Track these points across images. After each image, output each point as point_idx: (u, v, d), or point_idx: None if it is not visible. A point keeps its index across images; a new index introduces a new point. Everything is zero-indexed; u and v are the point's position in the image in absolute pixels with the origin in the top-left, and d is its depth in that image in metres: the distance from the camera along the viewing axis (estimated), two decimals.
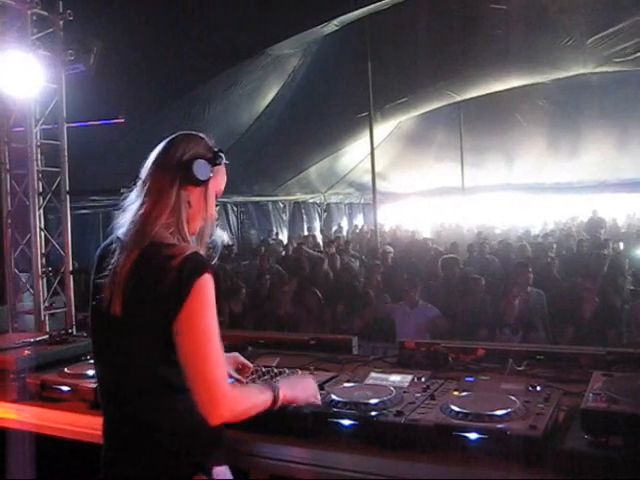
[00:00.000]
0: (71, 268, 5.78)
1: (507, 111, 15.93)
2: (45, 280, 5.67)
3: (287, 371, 2.60)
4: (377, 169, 12.63)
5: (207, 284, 1.82)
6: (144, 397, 1.87)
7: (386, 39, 11.54)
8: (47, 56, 5.39)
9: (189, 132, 2.03)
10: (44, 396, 2.77)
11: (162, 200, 1.91)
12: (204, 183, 1.96)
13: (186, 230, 1.93)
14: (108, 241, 2.03)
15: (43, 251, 5.63)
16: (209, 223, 2.03)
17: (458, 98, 14.43)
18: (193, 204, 1.96)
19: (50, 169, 5.73)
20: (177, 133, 2.02)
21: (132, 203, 1.97)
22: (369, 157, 12.51)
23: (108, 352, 1.97)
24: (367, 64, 11.19)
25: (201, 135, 2.04)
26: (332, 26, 10.05)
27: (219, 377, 1.80)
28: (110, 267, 1.89)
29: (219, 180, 2.06)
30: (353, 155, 17.17)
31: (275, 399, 1.96)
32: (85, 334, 4.18)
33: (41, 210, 5.62)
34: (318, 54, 12.31)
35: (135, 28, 7.99)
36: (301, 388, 2.12)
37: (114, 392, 1.96)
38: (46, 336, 3.62)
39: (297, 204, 18.32)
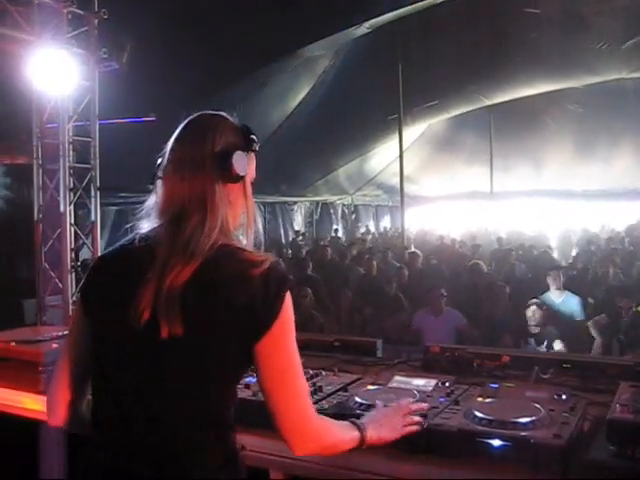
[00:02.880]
0: None
1: (537, 115, 15.76)
2: (74, 275, 5.75)
3: (323, 372, 2.60)
4: (406, 172, 12.61)
5: (291, 301, 1.60)
6: (186, 434, 1.55)
7: (417, 42, 11.51)
8: (81, 54, 5.49)
9: (212, 113, 1.74)
10: None
11: (209, 208, 1.60)
12: (244, 178, 1.69)
13: (232, 231, 1.66)
14: (116, 252, 1.71)
15: (72, 246, 5.71)
16: (251, 218, 1.72)
17: (488, 102, 14.33)
18: (233, 201, 1.67)
19: (81, 165, 5.81)
20: (198, 115, 1.72)
21: (158, 210, 1.66)
22: (398, 160, 12.48)
23: (138, 379, 1.57)
24: (397, 66, 11.16)
25: (225, 115, 1.74)
26: (363, 29, 10.05)
27: (307, 406, 1.65)
28: (140, 281, 1.54)
29: (253, 166, 1.76)
30: (382, 157, 17.13)
31: (362, 441, 1.81)
32: None
33: (72, 206, 5.71)
34: (348, 56, 12.31)
35: (167, 28, 8.06)
36: (387, 427, 1.91)
37: (139, 426, 1.56)
38: None
39: (325, 205, 18.32)
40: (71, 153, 5.70)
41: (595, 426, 2.03)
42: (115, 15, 5.87)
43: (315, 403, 2.19)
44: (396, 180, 13.58)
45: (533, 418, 1.98)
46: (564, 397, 2.20)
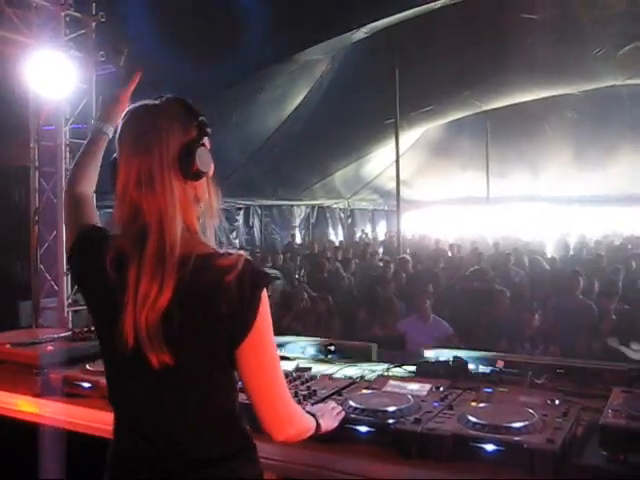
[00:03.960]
0: None
1: (534, 121, 15.79)
2: (69, 277, 5.74)
3: (306, 375, 2.62)
4: (402, 176, 12.61)
5: (267, 297, 1.59)
6: (190, 432, 1.61)
7: (414, 47, 11.52)
8: (79, 57, 5.48)
9: (156, 105, 1.63)
10: (66, 392, 2.81)
11: (166, 222, 1.53)
12: (205, 172, 1.61)
13: (196, 230, 1.61)
14: (104, 238, 1.66)
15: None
16: (214, 211, 1.65)
17: (485, 107, 14.36)
18: (201, 198, 1.63)
19: None
20: (142, 112, 1.62)
21: (123, 229, 1.60)
22: (394, 164, 12.50)
23: (137, 397, 1.62)
24: (394, 71, 11.18)
25: (169, 101, 1.64)
26: (361, 33, 10.05)
27: (286, 394, 1.70)
28: (118, 299, 1.53)
29: (209, 153, 1.65)
30: (378, 162, 17.15)
31: (318, 428, 1.91)
32: None
33: None
34: (345, 61, 12.32)
35: (164, 32, 8.07)
36: (328, 417, 2.02)
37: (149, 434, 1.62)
38: (69, 332, 3.67)
39: (321, 209, 18.34)
40: (68, 156, 5.70)
41: (588, 431, 2.04)
42: (113, 18, 5.88)
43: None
44: (392, 184, 13.61)
45: (526, 423, 1.99)
46: (557, 402, 2.22)
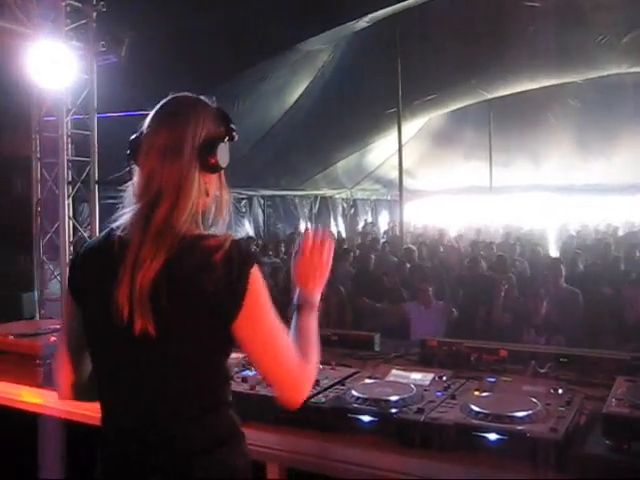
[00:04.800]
0: None
1: (538, 110, 15.72)
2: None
3: (321, 366, 2.60)
4: (405, 166, 12.57)
5: (259, 274, 1.59)
6: (177, 418, 1.60)
7: (416, 35, 11.47)
8: (80, 47, 5.48)
9: (194, 97, 1.70)
10: None
11: (182, 195, 1.58)
12: (223, 168, 1.68)
13: (202, 221, 1.65)
14: (100, 239, 1.70)
15: (71, 239, 5.71)
16: (224, 208, 1.71)
17: (488, 96, 14.30)
18: (209, 191, 1.67)
19: (80, 159, 5.80)
20: (178, 98, 1.69)
21: (135, 196, 1.63)
22: (397, 154, 12.46)
23: (128, 374, 1.62)
24: (397, 60, 11.13)
25: (206, 100, 1.70)
26: (363, 22, 10.02)
27: (295, 364, 1.66)
28: (116, 273, 1.55)
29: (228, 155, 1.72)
30: (381, 151, 17.10)
31: (307, 314, 1.81)
32: None
33: (70, 199, 5.71)
34: (348, 50, 12.27)
35: (166, 21, 8.04)
36: (312, 279, 1.88)
37: (136, 417, 1.63)
38: None
39: (324, 199, 18.30)
40: (70, 146, 5.70)
41: (591, 420, 2.04)
42: (114, 8, 5.86)
43: (312, 397, 2.20)
44: (395, 174, 13.57)
45: (530, 412, 1.99)
46: (561, 391, 2.22)
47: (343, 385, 2.37)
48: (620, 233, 14.48)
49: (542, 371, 2.63)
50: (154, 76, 8.11)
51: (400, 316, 6.74)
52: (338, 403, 2.19)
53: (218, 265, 1.53)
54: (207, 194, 1.65)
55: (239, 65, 9.86)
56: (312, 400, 2.17)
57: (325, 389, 2.31)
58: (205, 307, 1.54)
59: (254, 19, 8.84)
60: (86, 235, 5.77)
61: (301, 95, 12.87)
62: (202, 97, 1.71)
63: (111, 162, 6.46)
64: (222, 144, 1.64)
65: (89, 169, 5.77)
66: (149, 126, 1.64)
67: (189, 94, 1.70)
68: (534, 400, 2.09)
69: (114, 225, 1.64)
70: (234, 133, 1.70)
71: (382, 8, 9.52)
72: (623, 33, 10.65)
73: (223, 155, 1.64)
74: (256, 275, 1.58)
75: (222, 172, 1.69)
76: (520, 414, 1.97)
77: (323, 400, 2.20)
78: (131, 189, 1.65)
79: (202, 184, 1.62)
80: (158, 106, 1.68)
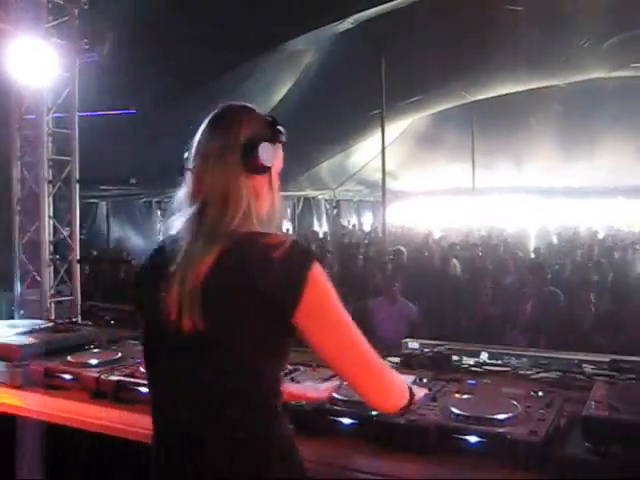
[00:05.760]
0: (78, 257, 5.80)
1: (520, 113, 15.84)
2: (52, 268, 5.69)
3: (301, 368, 2.60)
4: (388, 168, 12.60)
5: (322, 272, 1.57)
6: (227, 414, 1.54)
7: (400, 37, 11.49)
8: (61, 44, 5.40)
9: (239, 105, 1.72)
10: (47, 384, 2.79)
11: (230, 198, 1.59)
12: (270, 169, 1.69)
13: (258, 222, 1.63)
14: (157, 248, 1.72)
15: (51, 239, 5.65)
16: (278, 210, 1.72)
17: (471, 98, 14.38)
18: (259, 192, 1.66)
19: (61, 157, 5.74)
20: (225, 106, 1.71)
21: (186, 202, 1.65)
22: (380, 155, 12.48)
23: (176, 373, 1.59)
24: (380, 62, 11.15)
25: (251, 106, 1.73)
26: (347, 24, 10.03)
27: (380, 364, 1.64)
28: (169, 276, 1.56)
29: (280, 157, 1.76)
30: (364, 153, 17.14)
31: (412, 396, 1.80)
32: (90, 322, 4.22)
33: (50, 198, 5.64)
34: (332, 51, 12.27)
35: (150, 19, 7.99)
36: (415, 388, 1.95)
37: (183, 415, 1.59)
38: (51, 324, 3.64)
39: (307, 200, 18.31)
40: (50, 145, 5.63)
41: (571, 423, 2.04)
42: (97, 6, 5.80)
43: None
44: (378, 176, 13.59)
45: (510, 415, 1.99)
46: (541, 394, 2.22)
47: None
48: (600, 236, 14.63)
49: (523, 373, 2.64)
50: (137, 75, 8.07)
51: (367, 312, 6.76)
52: (319, 405, 2.18)
53: (277, 261, 1.52)
54: (257, 196, 1.66)
55: (222, 65, 9.84)
56: (293, 402, 2.16)
57: None
58: (260, 302, 1.51)
59: (237, 19, 8.81)
60: (66, 234, 5.71)
61: (285, 96, 12.86)
62: (248, 104, 1.73)
63: (92, 161, 6.43)
64: (264, 144, 1.64)
65: (70, 168, 5.71)
66: (198, 136, 1.68)
67: (235, 102, 1.73)
68: (514, 402, 2.09)
69: (169, 233, 1.67)
70: (281, 135, 1.72)
71: (366, 9, 9.53)
72: (605, 38, 10.74)
73: (266, 154, 1.65)
74: (317, 270, 1.56)
75: (272, 174, 1.70)
76: (500, 416, 1.97)
77: (304, 402, 2.19)
78: (182, 194, 1.67)
79: (250, 186, 1.63)
80: (208, 118, 1.70)
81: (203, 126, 1.68)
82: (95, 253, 10.22)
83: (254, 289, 1.51)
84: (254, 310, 1.52)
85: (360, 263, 10.23)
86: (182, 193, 1.67)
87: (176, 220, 1.66)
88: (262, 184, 1.67)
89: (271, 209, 1.70)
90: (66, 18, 5.45)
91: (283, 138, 1.73)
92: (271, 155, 1.67)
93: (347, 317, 1.59)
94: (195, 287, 1.51)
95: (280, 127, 1.72)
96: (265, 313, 1.52)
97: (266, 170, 1.66)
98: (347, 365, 1.60)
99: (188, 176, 1.67)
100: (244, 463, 1.53)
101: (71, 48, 5.48)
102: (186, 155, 1.70)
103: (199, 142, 1.66)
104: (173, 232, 1.65)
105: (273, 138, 1.69)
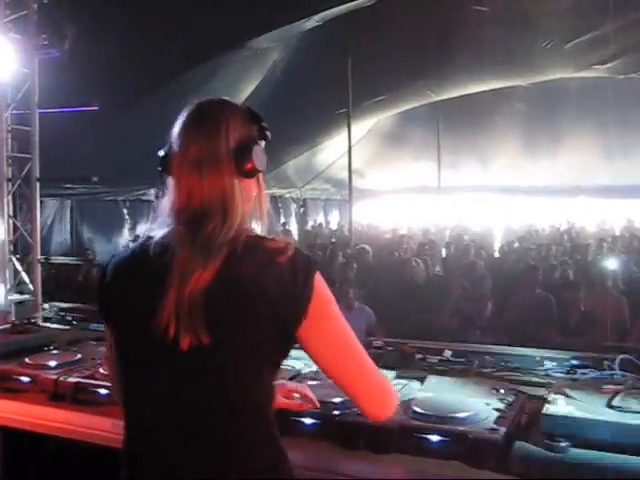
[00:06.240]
0: (39, 256, 5.70)
1: (485, 113, 16.00)
2: (12, 267, 5.58)
3: None
4: (354, 166, 12.63)
5: (323, 281, 1.54)
6: (224, 431, 1.50)
7: (366, 36, 11.51)
8: (20, 39, 5.30)
9: (221, 101, 1.63)
10: (3, 387, 2.71)
11: (229, 208, 1.52)
12: (261, 171, 1.62)
13: (249, 227, 1.59)
14: (133, 254, 1.61)
15: (11, 238, 5.54)
16: (264, 209, 1.67)
17: (437, 98, 14.46)
18: (250, 196, 1.61)
19: (21, 155, 5.64)
20: (204, 103, 1.61)
21: (174, 211, 1.56)
22: (347, 154, 12.50)
23: (168, 384, 1.51)
24: (347, 61, 11.17)
25: (232, 102, 1.64)
26: (313, 21, 10.01)
27: (378, 374, 1.62)
28: (157, 288, 1.46)
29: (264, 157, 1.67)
30: (331, 151, 17.14)
31: None
32: (51, 325, 4.13)
33: (10, 196, 5.54)
34: (298, 49, 12.25)
35: (112, 15, 7.88)
36: None
37: (173, 432, 1.51)
38: (8, 325, 3.56)
39: (274, 198, 18.24)
40: (10, 142, 5.53)
41: (532, 419, 2.06)
42: (57, 1, 5.70)
43: None
44: (345, 174, 13.62)
45: (471, 413, 1.99)
46: (502, 391, 2.23)
47: None
48: (563, 234, 14.86)
49: (485, 371, 2.65)
50: (98, 72, 7.95)
51: None
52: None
53: (283, 267, 1.48)
54: (249, 199, 1.61)
55: (187, 62, 9.75)
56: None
57: None
58: (267, 308, 1.47)
59: (203, 15, 8.74)
60: (26, 234, 5.62)
61: (251, 94, 12.80)
62: (227, 98, 1.64)
63: (53, 159, 6.33)
64: (257, 147, 1.59)
65: (30, 166, 5.61)
66: (178, 137, 1.58)
67: (213, 98, 1.64)
68: (476, 400, 2.10)
69: (144, 241, 1.57)
70: (267, 132, 1.66)
71: (332, 7, 9.52)
72: (567, 39, 10.89)
73: (260, 158, 1.60)
74: (320, 282, 1.53)
75: (259, 176, 1.64)
76: (461, 415, 1.98)
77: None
78: (166, 204, 1.57)
79: (243, 190, 1.57)
80: (184, 115, 1.60)
81: (183, 126, 1.59)
82: (57, 253, 10.07)
83: (265, 294, 1.46)
84: (264, 315, 1.47)
85: (326, 262, 10.21)
86: (166, 202, 1.57)
87: (160, 229, 1.55)
88: (252, 186, 1.63)
89: (260, 209, 1.65)
90: (24, 12, 5.35)
91: (269, 135, 1.66)
92: (264, 157, 1.62)
93: (347, 325, 1.58)
94: (195, 300, 1.43)
95: (265, 123, 1.66)
96: (275, 318, 1.47)
97: (258, 172, 1.61)
98: (347, 374, 1.58)
99: (172, 183, 1.57)
100: (238, 473, 1.49)
101: (30, 43, 5.40)
102: (162, 154, 1.62)
103: (185, 144, 1.56)
104: (157, 239, 1.53)
105: (261, 136, 1.64)
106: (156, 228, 1.57)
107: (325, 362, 1.57)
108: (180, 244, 1.49)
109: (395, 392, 1.74)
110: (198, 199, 1.52)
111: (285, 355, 1.58)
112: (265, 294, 1.46)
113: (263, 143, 1.65)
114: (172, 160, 1.57)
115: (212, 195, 1.52)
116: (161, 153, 1.63)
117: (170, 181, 1.58)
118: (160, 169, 1.62)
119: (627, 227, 16.10)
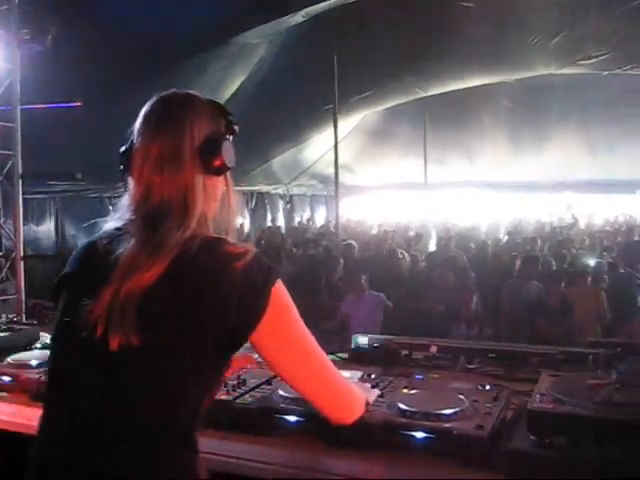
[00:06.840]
0: (22, 254, 5.65)
1: (471, 109, 16.07)
2: None
3: (248, 365, 2.55)
4: (341, 162, 12.60)
5: (283, 289, 1.49)
6: (147, 440, 1.40)
7: (353, 32, 11.51)
8: (1, 35, 5.24)
9: (185, 93, 1.56)
10: None
11: (189, 206, 1.46)
12: (230, 169, 1.56)
13: (210, 227, 1.51)
14: (86, 249, 1.55)
15: None
16: (233, 208, 1.61)
17: (423, 94, 14.48)
18: (215, 194, 1.55)
19: (2, 152, 5.59)
20: (166, 96, 1.55)
21: (131, 208, 1.50)
22: (333, 150, 12.48)
23: (92, 386, 1.41)
24: (333, 56, 11.14)
25: (198, 94, 1.57)
26: (299, 17, 10.01)
27: (339, 379, 1.61)
28: (98, 285, 1.39)
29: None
30: (317, 147, 17.13)
31: (367, 403, 1.84)
32: (35, 322, 4.09)
33: None
34: (284, 45, 12.23)
35: (96, 11, 7.82)
36: (366, 390, 2.00)
37: (93, 432, 1.40)
38: None
39: (260, 195, 18.21)
40: None
41: (518, 416, 2.05)
42: None
43: (238, 397, 2.15)
44: (331, 170, 13.57)
45: (456, 409, 1.98)
46: (488, 387, 2.23)
47: (270, 384, 2.32)
48: (548, 229, 14.95)
49: (471, 367, 2.65)
50: (83, 68, 7.88)
51: (338, 312, 6.77)
52: (265, 403, 2.14)
53: (237, 273, 1.40)
54: (214, 198, 1.54)
55: (172, 59, 9.69)
56: (238, 401, 2.12)
57: (251, 389, 2.26)
58: (212, 314, 1.39)
59: (189, 12, 8.70)
60: (9, 231, 5.56)
61: (237, 90, 12.77)
62: (192, 91, 1.58)
63: (36, 155, 6.26)
64: (226, 142, 1.53)
65: (12, 162, 5.55)
66: (139, 134, 1.51)
67: (176, 90, 1.57)
68: (461, 397, 2.09)
69: (99, 235, 1.52)
70: (235, 126, 1.60)
71: (317, 3, 9.51)
72: (553, 35, 10.94)
73: (229, 154, 1.53)
74: (280, 290, 1.48)
75: (227, 174, 1.58)
76: (447, 411, 1.96)
77: (249, 400, 2.15)
78: (126, 201, 1.52)
79: (208, 189, 1.51)
80: (145, 109, 1.54)
81: (145, 121, 1.52)
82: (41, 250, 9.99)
83: (212, 299, 1.39)
84: (209, 322, 1.40)
85: (313, 258, 10.20)
86: (126, 199, 1.52)
87: (114, 225, 1.50)
88: (219, 184, 1.57)
89: (225, 209, 1.58)
90: (5, 7, 5.29)
91: (237, 129, 1.60)
92: (232, 153, 1.55)
93: (307, 334, 1.54)
94: (131, 299, 1.35)
95: (231, 116, 1.60)
96: (220, 326, 1.40)
97: (226, 170, 1.55)
98: (305, 382, 1.57)
99: (133, 180, 1.51)
100: None
101: (11, 38, 5.34)
102: (122, 150, 1.56)
103: (148, 140, 1.49)
104: (111, 233, 1.49)
105: (228, 131, 1.58)
106: (111, 221, 1.52)
107: (283, 370, 1.55)
108: (132, 238, 1.43)
109: (359, 395, 1.75)
110: (158, 196, 1.46)
111: (229, 364, 1.52)
112: (212, 299, 1.40)
113: (231, 138, 1.59)
114: (134, 156, 1.51)
115: (172, 193, 1.46)
116: (122, 149, 1.56)
117: (131, 178, 1.52)
118: (121, 166, 1.56)
119: (611, 222, 16.24)
